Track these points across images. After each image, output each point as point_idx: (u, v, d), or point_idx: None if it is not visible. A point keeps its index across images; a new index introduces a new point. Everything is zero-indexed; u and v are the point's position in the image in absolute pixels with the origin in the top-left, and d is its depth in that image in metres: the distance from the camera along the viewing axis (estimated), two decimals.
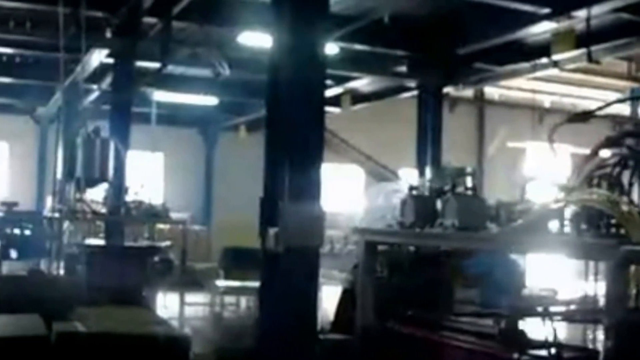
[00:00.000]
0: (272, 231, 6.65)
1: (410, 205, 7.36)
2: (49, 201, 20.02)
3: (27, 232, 11.11)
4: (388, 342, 7.51)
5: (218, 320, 12.13)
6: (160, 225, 15.05)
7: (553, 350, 6.11)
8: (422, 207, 7.27)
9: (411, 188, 7.54)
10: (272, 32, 7.12)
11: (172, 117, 21.29)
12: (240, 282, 12.82)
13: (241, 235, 19.42)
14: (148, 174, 18.23)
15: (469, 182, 7.30)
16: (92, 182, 10.00)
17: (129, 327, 6.60)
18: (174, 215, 14.79)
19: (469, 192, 7.15)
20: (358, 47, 14.08)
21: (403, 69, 15.60)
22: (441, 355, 6.89)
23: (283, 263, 6.50)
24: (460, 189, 7.12)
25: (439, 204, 7.10)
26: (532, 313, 6.46)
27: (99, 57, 13.34)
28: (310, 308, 6.73)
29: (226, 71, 12.60)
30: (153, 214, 12.07)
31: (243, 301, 14.29)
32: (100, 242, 11.20)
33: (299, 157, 6.49)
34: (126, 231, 11.90)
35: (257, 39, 13.23)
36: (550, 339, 6.06)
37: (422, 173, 12.63)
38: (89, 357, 6.15)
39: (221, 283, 12.87)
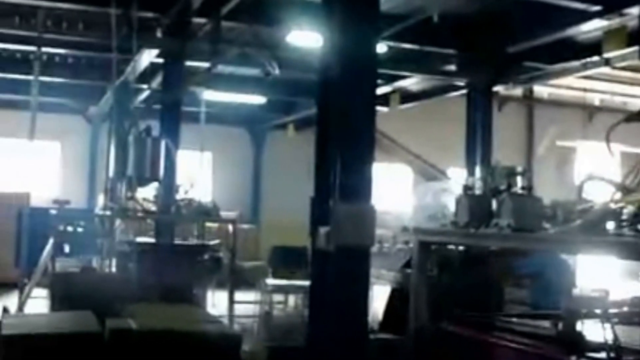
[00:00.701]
0: (322, 230, 6.65)
1: (465, 205, 7.30)
2: (100, 199, 20.28)
3: (80, 230, 11.26)
4: (442, 342, 7.47)
5: (267, 319, 12.16)
6: (209, 224, 15.15)
7: (612, 354, 6.01)
8: (476, 207, 7.20)
9: (466, 188, 7.48)
10: (322, 31, 7.14)
11: (221, 116, 21.40)
12: (289, 281, 12.85)
13: (289, 234, 19.48)
14: (197, 173, 18.31)
15: (520, 181, 7.23)
16: (143, 181, 10.10)
17: (180, 325, 6.64)
18: (222, 214, 14.87)
19: (524, 192, 7.07)
20: (406, 46, 14.04)
21: (452, 67, 15.53)
22: (496, 357, 6.83)
23: (334, 262, 6.49)
24: (514, 189, 7.05)
25: (493, 204, 7.04)
26: (591, 314, 6.35)
27: (149, 57, 13.50)
28: (361, 307, 6.72)
29: (276, 71, 12.64)
30: (203, 213, 12.15)
31: (291, 300, 14.34)
32: (150, 240, 11.30)
33: (351, 155, 6.47)
34: (175, 230, 12.00)
35: (305, 39, 13.28)
36: (608, 341, 5.97)
37: (471, 172, 12.58)
38: (142, 354, 6.21)
39: (270, 281, 12.91)
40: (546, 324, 7.17)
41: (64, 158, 23.05)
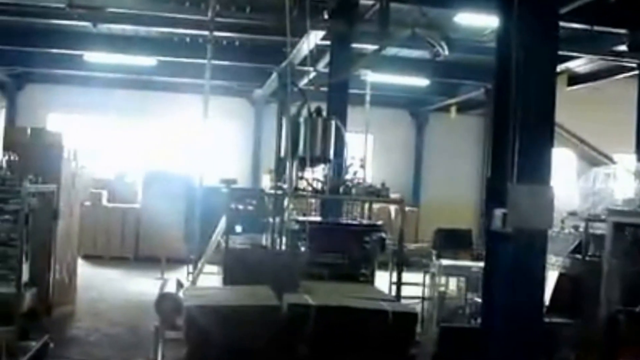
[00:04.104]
0: (499, 212, 6.62)
1: None
2: (264, 179, 20.74)
3: (250, 208, 11.54)
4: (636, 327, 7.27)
5: (436, 300, 12.16)
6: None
7: None
8: None
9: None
10: (498, 11, 7.07)
11: (382, 98, 21.48)
12: (453, 262, 12.79)
13: (449, 216, 19.53)
14: (360, 155, 18.42)
15: None
16: (314, 161, 10.24)
17: (357, 302, 6.73)
18: None
19: None
20: (577, 26, 13.67)
21: (623, 47, 15.03)
22: None
23: (511, 245, 6.46)
24: None
25: None
26: None
27: (314, 39, 13.62)
28: (537, 290, 6.68)
29: (445, 51, 12.57)
30: (373, 193, 12.24)
31: (452, 281, 14.27)
32: (319, 219, 11.46)
33: (531, 136, 6.43)
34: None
35: (473, 19, 13.15)
36: None
37: None
38: (320, 329, 6.32)
39: (444, 262, 12.86)
40: None
41: (229, 139, 23.71)
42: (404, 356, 6.45)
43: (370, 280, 10.05)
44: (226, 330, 6.14)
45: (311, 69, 16.21)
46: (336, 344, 6.34)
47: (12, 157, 10.05)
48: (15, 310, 9.10)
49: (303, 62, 15.38)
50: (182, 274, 14.98)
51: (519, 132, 6.44)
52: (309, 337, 6.27)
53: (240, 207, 11.54)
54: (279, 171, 10.96)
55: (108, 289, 15.33)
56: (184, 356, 6.32)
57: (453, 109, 22.71)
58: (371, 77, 18.06)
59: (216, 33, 15.31)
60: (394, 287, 10.51)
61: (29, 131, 12.05)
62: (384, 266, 12.40)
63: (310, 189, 10.66)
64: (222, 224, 11.20)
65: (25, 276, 9.54)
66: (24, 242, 9.32)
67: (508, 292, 6.55)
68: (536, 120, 6.48)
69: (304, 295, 6.83)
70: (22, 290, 9.32)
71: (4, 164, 9.86)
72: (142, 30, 16.98)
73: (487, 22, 13.21)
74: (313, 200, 13.76)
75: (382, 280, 11.87)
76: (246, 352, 6.11)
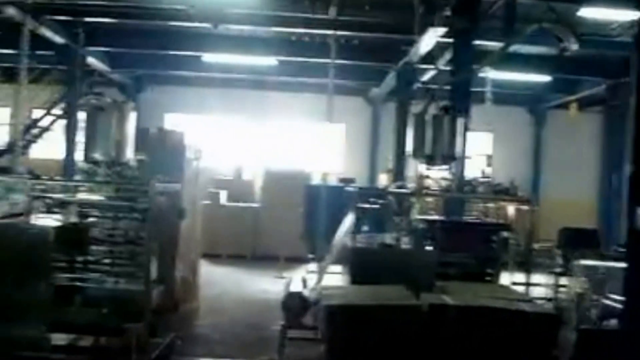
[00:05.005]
0: None
1: None
2: (381, 177, 20.65)
3: (375, 207, 11.46)
4: None
5: (573, 302, 11.83)
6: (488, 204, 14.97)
7: None
8: None
9: None
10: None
11: (501, 95, 21.05)
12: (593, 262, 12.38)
13: (570, 214, 19.05)
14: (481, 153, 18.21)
15: None
16: (441, 159, 10.13)
17: (496, 302, 6.60)
18: None
19: None
20: None
21: None
22: None
23: None
24: None
25: None
26: None
27: (434, 36, 13.45)
28: None
29: (575, 46, 12.23)
30: (500, 192, 12.05)
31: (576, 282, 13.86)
32: (445, 218, 11.34)
33: None
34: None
35: (598, 13, 12.80)
36: None
37: None
38: (459, 329, 6.23)
39: (585, 263, 12.46)
40: None
41: (347, 139, 23.74)
42: (545, 358, 6.29)
43: (495, 280, 9.85)
44: (368, 330, 6.09)
45: (432, 66, 16.10)
46: (476, 344, 6.22)
47: (141, 157, 10.23)
48: (144, 307, 9.22)
49: (422, 60, 15.28)
50: (300, 272, 14.99)
51: None
52: (449, 337, 6.16)
53: (365, 206, 11.46)
54: (398, 170, 10.88)
55: (229, 287, 15.45)
56: (323, 356, 6.28)
57: (573, 106, 22.09)
58: (491, 74, 17.73)
59: (338, 32, 15.39)
60: (518, 288, 10.27)
61: (154, 131, 12.24)
62: (503, 266, 12.16)
63: (436, 187, 10.55)
64: (347, 222, 11.15)
65: (153, 274, 9.67)
66: (152, 240, 9.44)
67: None
68: None
69: (441, 295, 6.73)
70: (150, 288, 9.44)
71: (135, 164, 10.04)
72: (261, 30, 17.08)
73: (613, 15, 12.84)
74: (431, 199, 13.61)
75: (504, 281, 11.64)
76: (387, 351, 6.04)
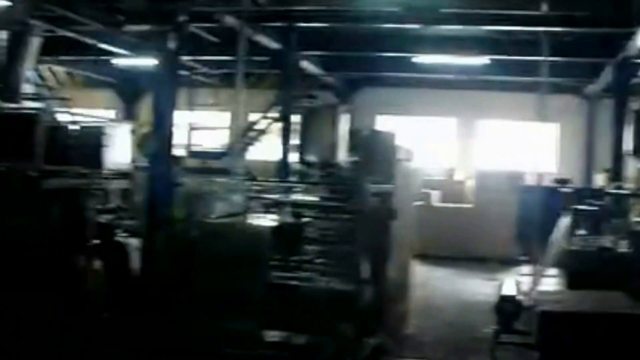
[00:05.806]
0: None
1: None
2: (598, 178, 19.94)
3: (592, 209, 11.06)
4: None
5: None
6: None
7: None
8: None
9: None
10: None
11: None
12: None
13: None
14: None
15: None
16: None
17: None
18: None
19: None
20: None
21: None
22: None
23: None
24: None
25: None
26: None
27: None
28: None
29: None
30: None
31: None
32: None
33: None
34: None
35: None
36: None
37: None
38: None
39: None
40: None
41: (561, 138, 23.17)
42: None
43: None
44: (585, 339, 5.89)
45: None
46: None
47: (354, 158, 10.36)
48: (355, 306, 9.32)
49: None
50: (512, 275, 14.74)
51: None
52: None
53: (582, 207, 11.11)
54: (616, 170, 10.45)
55: (439, 288, 15.42)
56: None
57: None
58: None
59: (550, 28, 14.98)
60: None
61: (366, 133, 12.35)
62: None
63: None
64: (563, 224, 10.85)
65: (364, 274, 9.76)
66: (364, 241, 9.53)
67: None
68: None
69: None
70: (361, 288, 9.53)
71: (347, 165, 10.19)
72: (471, 29, 16.88)
73: None
74: None
75: None
76: None
